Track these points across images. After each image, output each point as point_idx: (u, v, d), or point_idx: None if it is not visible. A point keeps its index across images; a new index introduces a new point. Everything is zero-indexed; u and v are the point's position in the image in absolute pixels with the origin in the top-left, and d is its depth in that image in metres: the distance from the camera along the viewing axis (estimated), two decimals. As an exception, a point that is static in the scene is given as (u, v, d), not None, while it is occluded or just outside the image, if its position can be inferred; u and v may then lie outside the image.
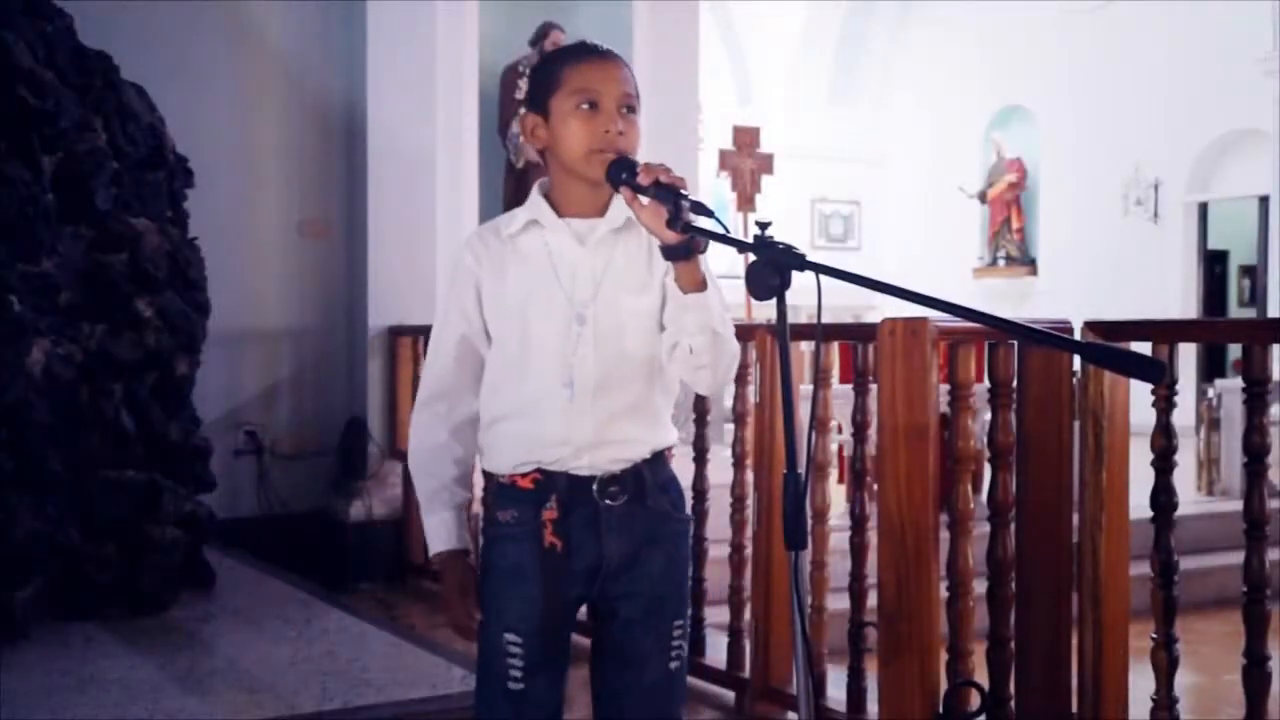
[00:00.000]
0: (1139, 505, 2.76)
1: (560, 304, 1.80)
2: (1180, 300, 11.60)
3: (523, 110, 1.87)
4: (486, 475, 1.88)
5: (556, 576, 1.80)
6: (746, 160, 10.16)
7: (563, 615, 1.84)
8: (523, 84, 5.91)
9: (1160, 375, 1.48)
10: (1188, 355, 10.51)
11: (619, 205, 1.81)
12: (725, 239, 1.68)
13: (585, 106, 1.77)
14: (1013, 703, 2.87)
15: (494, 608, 1.83)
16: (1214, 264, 12.89)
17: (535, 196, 1.86)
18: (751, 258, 1.57)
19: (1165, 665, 2.66)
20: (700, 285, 1.72)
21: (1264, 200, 11.24)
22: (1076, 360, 2.72)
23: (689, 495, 3.82)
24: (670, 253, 1.70)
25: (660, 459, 1.86)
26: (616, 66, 1.82)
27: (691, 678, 3.81)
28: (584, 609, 1.89)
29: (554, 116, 1.80)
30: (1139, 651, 2.78)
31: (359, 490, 5.54)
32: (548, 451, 1.80)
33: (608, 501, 1.80)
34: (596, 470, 1.80)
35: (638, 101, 1.82)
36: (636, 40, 6.07)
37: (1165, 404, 2.65)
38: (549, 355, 1.79)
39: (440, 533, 1.88)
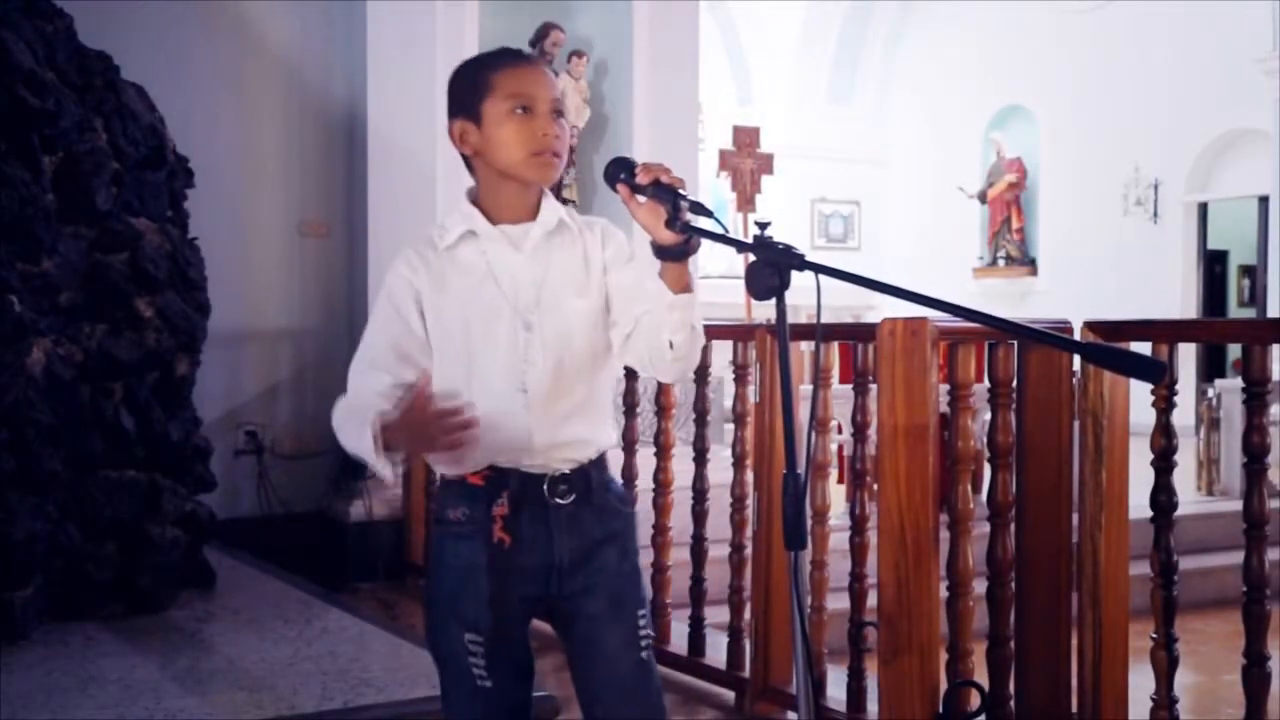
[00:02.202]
0: (1139, 505, 2.76)
1: (505, 313, 1.81)
2: (1180, 300, 11.60)
3: (449, 118, 1.86)
4: (437, 474, 1.90)
5: (505, 572, 1.81)
6: (746, 160, 10.14)
7: (516, 612, 1.85)
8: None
9: (1160, 375, 1.48)
10: (1188, 355, 10.51)
11: (549, 207, 1.84)
12: (724, 239, 1.68)
13: (520, 110, 1.79)
14: (1013, 703, 2.87)
15: (451, 608, 1.84)
16: (1214, 264, 12.89)
17: (466, 206, 1.85)
18: (751, 258, 1.57)
19: (1165, 665, 2.67)
20: (688, 287, 1.74)
21: (1264, 200, 11.24)
22: (1076, 360, 2.73)
23: (689, 495, 3.86)
24: (664, 253, 1.71)
25: (603, 460, 1.89)
26: (543, 71, 1.87)
27: (691, 677, 3.83)
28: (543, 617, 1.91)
29: (487, 121, 1.81)
30: (1139, 651, 2.78)
31: (359, 490, 5.54)
32: (501, 453, 1.81)
33: (557, 500, 1.82)
34: (548, 469, 1.82)
35: (564, 105, 1.85)
36: (636, 40, 6.07)
37: (1165, 404, 2.65)
38: (499, 365, 1.80)
39: (369, 430, 1.74)
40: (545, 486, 1.82)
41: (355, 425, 1.77)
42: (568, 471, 1.83)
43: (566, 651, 1.91)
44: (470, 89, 1.83)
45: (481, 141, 1.82)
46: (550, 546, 1.83)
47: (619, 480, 1.98)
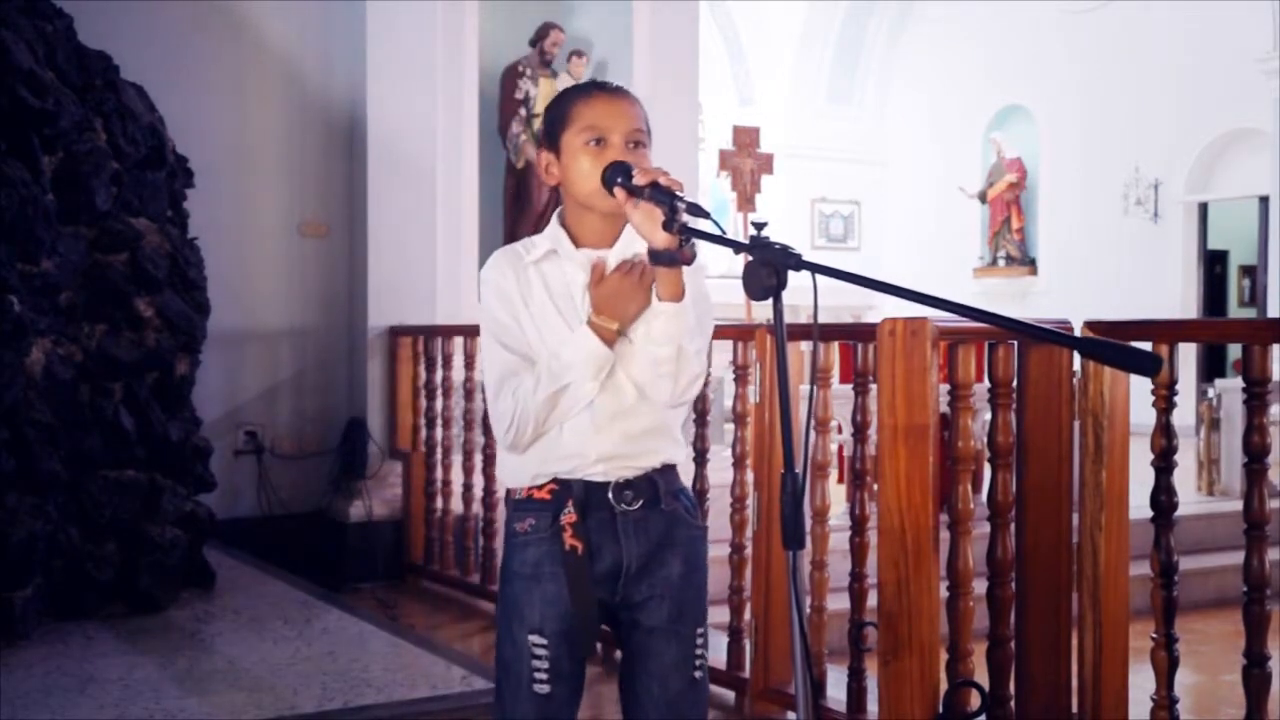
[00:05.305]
0: (1139, 505, 2.76)
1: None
2: (1180, 300, 11.60)
3: (539, 149, 1.90)
4: (507, 492, 1.92)
5: (580, 577, 1.82)
6: (746, 160, 10.13)
7: (588, 617, 1.85)
8: (522, 84, 5.91)
9: (1156, 368, 1.47)
10: (1188, 355, 10.51)
11: (628, 237, 1.84)
12: (721, 240, 1.68)
13: (594, 142, 1.81)
14: (1013, 703, 2.87)
15: (516, 611, 1.85)
16: (1214, 264, 12.89)
17: (555, 226, 1.89)
18: (749, 258, 1.57)
19: (1165, 665, 2.67)
20: (677, 297, 1.74)
21: (1264, 200, 11.24)
22: (1077, 360, 2.72)
23: (689, 495, 3.86)
24: (657, 257, 1.71)
25: (671, 470, 1.90)
26: (625, 103, 1.85)
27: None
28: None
29: (565, 153, 1.84)
30: (1139, 651, 2.78)
31: (359, 490, 5.54)
32: (563, 463, 1.83)
33: (624, 506, 1.83)
34: (610, 477, 1.83)
35: (647, 136, 1.85)
36: (636, 40, 6.07)
37: (1165, 404, 2.65)
38: None
39: (580, 336, 1.79)
40: (610, 493, 1.83)
41: (550, 368, 1.78)
42: (632, 477, 1.84)
43: (621, 660, 1.93)
44: (553, 122, 1.87)
45: (561, 172, 1.85)
46: (619, 551, 1.84)
47: (690, 493, 1.97)
